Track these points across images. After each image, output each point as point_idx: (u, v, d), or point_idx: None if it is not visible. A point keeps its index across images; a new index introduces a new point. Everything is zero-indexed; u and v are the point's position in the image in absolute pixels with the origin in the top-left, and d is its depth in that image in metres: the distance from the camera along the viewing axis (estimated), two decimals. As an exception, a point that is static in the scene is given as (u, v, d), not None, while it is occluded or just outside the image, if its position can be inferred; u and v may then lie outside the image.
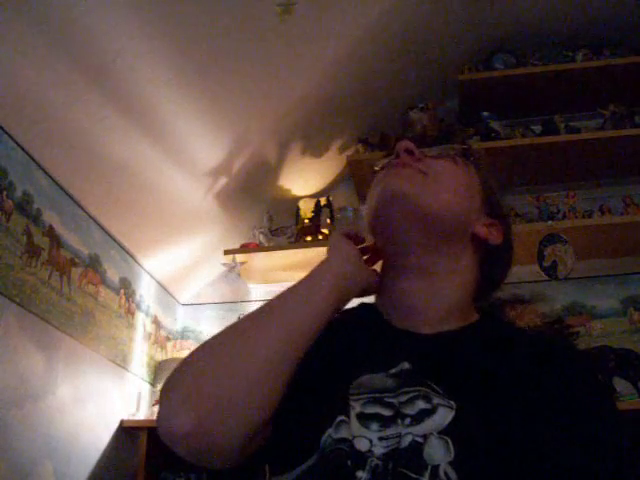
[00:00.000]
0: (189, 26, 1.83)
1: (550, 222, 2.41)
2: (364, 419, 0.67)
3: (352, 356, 0.74)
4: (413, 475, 0.61)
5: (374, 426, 0.66)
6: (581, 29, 2.64)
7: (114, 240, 2.30)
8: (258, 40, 1.98)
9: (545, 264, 2.33)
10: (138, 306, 2.48)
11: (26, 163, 1.82)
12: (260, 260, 2.61)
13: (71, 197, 2.03)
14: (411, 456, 0.62)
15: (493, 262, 0.85)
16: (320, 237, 2.61)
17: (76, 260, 2.04)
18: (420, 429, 0.64)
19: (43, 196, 1.89)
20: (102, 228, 2.22)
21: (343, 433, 0.65)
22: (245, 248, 2.61)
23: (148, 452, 2.21)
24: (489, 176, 0.88)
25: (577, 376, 0.71)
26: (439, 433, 0.63)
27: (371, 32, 2.24)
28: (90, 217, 2.14)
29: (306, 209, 2.69)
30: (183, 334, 2.81)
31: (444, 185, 0.79)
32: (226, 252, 2.59)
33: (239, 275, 2.65)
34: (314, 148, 2.65)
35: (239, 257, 2.59)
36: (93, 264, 2.15)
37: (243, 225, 2.75)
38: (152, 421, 2.30)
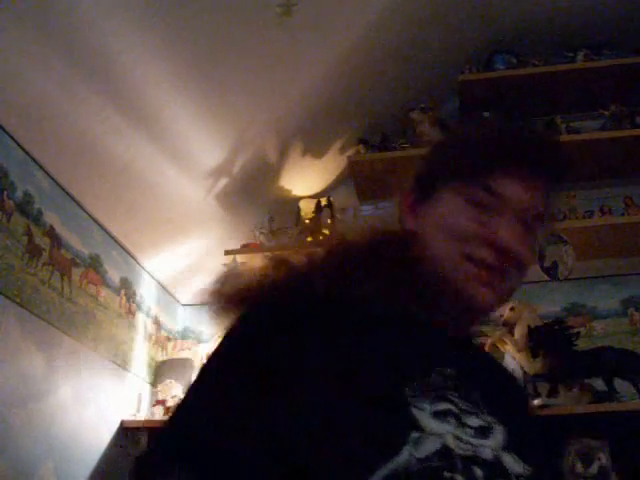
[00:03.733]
0: (190, 27, 1.83)
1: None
2: (439, 417, 0.60)
3: (393, 363, 0.67)
4: None
5: (452, 421, 0.60)
6: (581, 29, 2.64)
7: (115, 240, 2.30)
8: (259, 41, 1.98)
9: (545, 264, 2.33)
10: (139, 306, 2.48)
11: (26, 163, 1.83)
12: (261, 260, 2.60)
13: (72, 197, 2.04)
14: (496, 468, 0.58)
15: None
16: (321, 237, 2.60)
17: (77, 260, 2.04)
18: (489, 443, 0.60)
19: (44, 196, 1.89)
20: (103, 228, 2.22)
21: (428, 448, 0.57)
22: (246, 248, 2.61)
23: (149, 452, 2.21)
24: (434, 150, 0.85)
25: None
26: (502, 449, 0.60)
27: (372, 32, 2.24)
28: (91, 217, 2.15)
29: (307, 209, 2.69)
30: (184, 334, 2.81)
31: None
32: (227, 252, 2.59)
33: (240, 275, 2.65)
34: (315, 148, 2.65)
35: (240, 257, 2.58)
36: (94, 264, 2.15)
37: (244, 225, 2.75)
38: (152, 421, 2.30)
